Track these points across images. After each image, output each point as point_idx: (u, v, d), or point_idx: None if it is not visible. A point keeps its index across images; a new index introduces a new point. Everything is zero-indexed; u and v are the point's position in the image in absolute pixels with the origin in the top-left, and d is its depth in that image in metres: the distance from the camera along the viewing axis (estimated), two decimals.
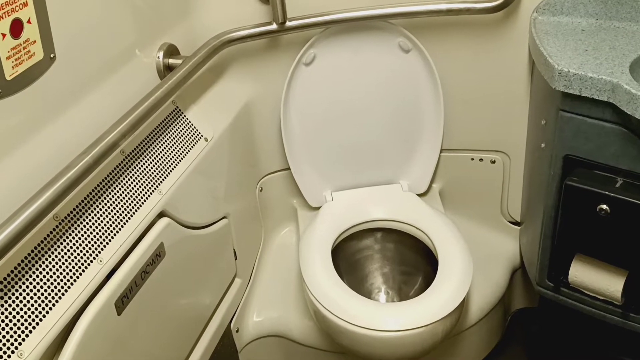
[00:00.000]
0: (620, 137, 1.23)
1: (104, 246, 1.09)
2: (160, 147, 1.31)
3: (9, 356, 0.89)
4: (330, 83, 1.60)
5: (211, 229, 1.43)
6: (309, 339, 1.65)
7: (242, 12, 1.51)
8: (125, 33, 1.26)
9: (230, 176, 1.55)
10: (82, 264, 1.04)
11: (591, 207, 1.29)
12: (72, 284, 1.01)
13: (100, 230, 1.10)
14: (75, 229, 1.06)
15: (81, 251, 1.05)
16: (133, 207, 1.18)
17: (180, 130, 1.38)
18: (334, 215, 1.64)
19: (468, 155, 1.74)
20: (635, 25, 1.38)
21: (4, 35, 0.92)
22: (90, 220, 1.09)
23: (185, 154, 1.35)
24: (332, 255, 1.51)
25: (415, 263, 1.67)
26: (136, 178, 1.22)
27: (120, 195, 1.17)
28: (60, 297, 0.99)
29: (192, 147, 1.38)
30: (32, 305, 0.95)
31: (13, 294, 0.94)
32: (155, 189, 1.24)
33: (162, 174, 1.28)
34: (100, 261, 1.07)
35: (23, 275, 0.96)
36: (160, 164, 1.28)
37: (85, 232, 1.07)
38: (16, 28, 0.94)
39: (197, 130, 1.42)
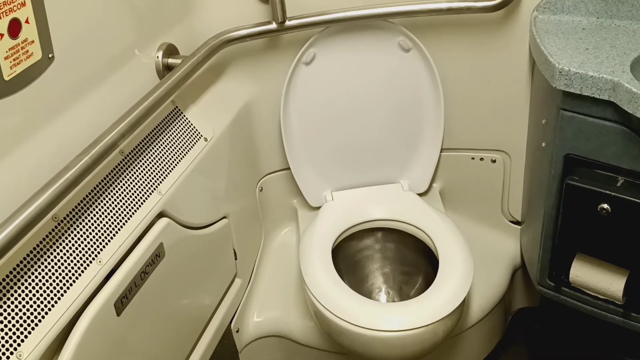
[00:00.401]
0: (621, 136, 1.23)
1: (104, 247, 1.09)
2: (159, 147, 1.30)
3: (7, 357, 0.89)
4: (330, 82, 1.60)
5: (211, 229, 1.43)
6: (309, 339, 1.64)
7: (241, 12, 1.51)
8: (124, 33, 1.26)
9: (230, 176, 1.55)
10: (82, 265, 1.04)
11: (592, 206, 1.29)
12: (71, 284, 1.01)
13: (99, 231, 1.10)
14: (75, 229, 1.06)
15: (80, 252, 1.05)
16: (132, 208, 1.18)
17: (180, 130, 1.37)
18: (334, 215, 1.64)
19: (468, 155, 1.74)
20: (636, 24, 1.37)
21: (1, 35, 0.92)
22: (89, 221, 1.09)
23: (185, 154, 1.35)
24: (332, 255, 1.51)
25: (415, 263, 1.67)
26: (135, 178, 1.21)
27: (120, 195, 1.17)
28: (59, 298, 0.99)
29: (191, 147, 1.38)
30: (31, 306, 0.95)
31: (12, 295, 0.93)
32: (154, 189, 1.24)
33: (162, 174, 1.27)
34: (100, 262, 1.07)
35: (22, 276, 0.96)
36: (160, 164, 1.28)
37: (84, 233, 1.07)
38: (14, 28, 0.94)
39: (196, 130, 1.41)
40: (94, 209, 1.11)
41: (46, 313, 0.96)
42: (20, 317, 0.93)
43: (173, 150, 1.33)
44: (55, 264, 1.01)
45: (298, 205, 1.80)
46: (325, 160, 1.69)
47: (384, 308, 1.45)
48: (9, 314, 0.92)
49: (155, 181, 1.25)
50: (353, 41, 1.56)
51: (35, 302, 0.96)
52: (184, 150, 1.35)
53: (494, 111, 1.64)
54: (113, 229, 1.12)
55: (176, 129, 1.37)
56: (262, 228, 1.79)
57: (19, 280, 0.95)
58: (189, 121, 1.41)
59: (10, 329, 0.91)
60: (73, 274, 1.02)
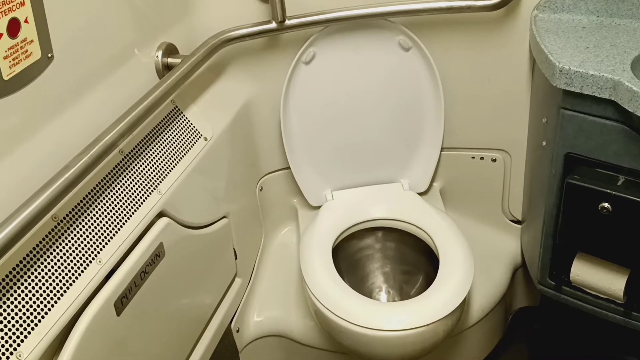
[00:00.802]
0: (621, 135, 1.23)
1: (103, 246, 1.09)
2: (159, 146, 1.30)
3: (7, 357, 0.89)
4: (330, 82, 1.60)
5: (211, 229, 1.42)
6: (309, 338, 1.64)
7: (241, 11, 1.51)
8: (124, 32, 1.26)
9: (230, 175, 1.55)
10: (81, 265, 1.04)
11: (593, 205, 1.29)
12: (71, 284, 1.01)
13: (99, 231, 1.09)
14: (74, 229, 1.06)
15: (80, 251, 1.05)
16: (132, 207, 1.17)
17: (180, 130, 1.37)
18: (335, 214, 1.63)
19: (469, 154, 1.74)
20: (637, 23, 1.37)
21: (1, 34, 0.92)
22: (89, 221, 1.09)
23: (185, 154, 1.35)
24: (332, 255, 1.51)
25: (416, 262, 1.67)
26: (135, 178, 1.21)
27: (119, 195, 1.16)
28: (59, 298, 0.99)
29: (191, 146, 1.37)
30: (31, 306, 0.95)
31: (12, 295, 0.93)
32: (154, 188, 1.24)
33: (162, 174, 1.27)
34: (100, 261, 1.07)
35: (22, 276, 0.95)
36: (160, 164, 1.28)
37: (84, 233, 1.07)
38: (13, 28, 0.94)
39: (196, 129, 1.41)
40: (93, 209, 1.10)
41: (46, 313, 0.96)
42: (20, 317, 0.93)
43: (173, 149, 1.33)
44: (55, 263, 1.00)
45: (298, 205, 1.79)
46: (326, 160, 1.69)
47: (385, 307, 1.44)
48: (8, 314, 0.92)
49: (155, 181, 1.25)
50: (353, 40, 1.56)
51: (35, 302, 0.95)
52: (183, 149, 1.35)
53: (494, 110, 1.64)
54: (113, 228, 1.12)
55: (176, 129, 1.37)
56: (262, 227, 1.79)
57: (18, 280, 0.95)
58: (189, 121, 1.41)
59: (10, 329, 0.91)
60: (73, 274, 1.02)
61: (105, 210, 1.12)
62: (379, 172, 1.71)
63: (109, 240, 1.10)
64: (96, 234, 1.09)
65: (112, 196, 1.15)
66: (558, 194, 1.37)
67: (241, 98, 1.61)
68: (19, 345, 0.91)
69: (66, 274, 1.01)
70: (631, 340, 1.54)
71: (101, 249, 1.08)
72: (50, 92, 1.05)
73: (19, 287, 0.95)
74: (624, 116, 1.21)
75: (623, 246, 1.30)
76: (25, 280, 0.96)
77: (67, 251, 1.03)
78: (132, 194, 1.19)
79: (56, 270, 1.00)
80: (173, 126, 1.36)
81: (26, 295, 0.95)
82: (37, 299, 0.96)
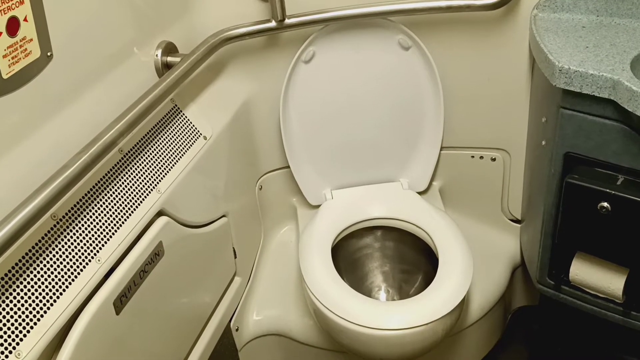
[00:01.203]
0: (621, 135, 1.23)
1: (102, 245, 1.09)
2: (158, 145, 1.30)
3: (6, 356, 0.89)
4: (329, 81, 1.60)
5: (210, 228, 1.42)
6: (308, 337, 1.64)
7: (240, 10, 1.51)
8: (123, 31, 1.26)
9: (230, 174, 1.55)
10: (80, 263, 1.04)
11: (592, 204, 1.29)
12: (70, 283, 1.01)
13: (98, 229, 1.09)
14: (73, 228, 1.06)
15: (79, 250, 1.05)
16: (131, 206, 1.17)
17: (179, 129, 1.37)
18: (334, 213, 1.63)
19: (468, 153, 1.74)
20: (636, 22, 1.37)
21: (0, 33, 0.92)
22: (88, 219, 1.09)
23: (184, 153, 1.35)
24: (332, 254, 1.51)
25: (415, 261, 1.67)
26: (134, 177, 1.21)
27: (119, 194, 1.16)
28: (58, 297, 0.99)
29: (190, 145, 1.37)
30: (30, 304, 0.95)
31: (11, 294, 0.93)
32: (153, 187, 1.24)
33: (161, 173, 1.27)
34: (99, 260, 1.07)
35: (21, 275, 0.95)
36: (159, 163, 1.28)
37: (83, 231, 1.07)
38: (12, 26, 0.94)
39: (195, 128, 1.41)
40: (93, 208, 1.10)
41: (45, 312, 0.96)
42: (19, 316, 0.93)
43: (172, 148, 1.33)
44: (54, 262, 1.00)
45: (297, 204, 1.79)
46: (325, 159, 1.68)
47: (384, 306, 1.44)
48: (7, 313, 0.92)
49: (155, 180, 1.25)
50: (352, 39, 1.56)
51: (34, 301, 0.95)
52: (183, 148, 1.35)
53: (493, 109, 1.64)
54: (112, 227, 1.12)
55: (175, 128, 1.36)
56: (262, 226, 1.79)
57: (17, 278, 0.95)
58: (188, 119, 1.41)
59: (9, 328, 0.91)
60: (72, 273, 1.02)
61: (104, 209, 1.12)
62: (378, 171, 1.71)
63: (108, 239, 1.10)
64: (95, 232, 1.09)
65: (111, 195, 1.15)
66: (557, 193, 1.37)
67: (241, 97, 1.61)
68: (18, 344, 0.91)
69: (65, 273, 1.01)
70: (630, 339, 1.54)
71: (100, 248, 1.08)
72: (50, 91, 1.05)
73: (18, 286, 0.94)
74: (624, 116, 1.21)
75: (622, 246, 1.30)
76: (25, 279, 0.96)
77: (66, 250, 1.03)
78: (132, 192, 1.19)
79: (55, 269, 1.00)
80: (172, 125, 1.36)
81: (25, 294, 0.95)
82: (37, 297, 0.96)
